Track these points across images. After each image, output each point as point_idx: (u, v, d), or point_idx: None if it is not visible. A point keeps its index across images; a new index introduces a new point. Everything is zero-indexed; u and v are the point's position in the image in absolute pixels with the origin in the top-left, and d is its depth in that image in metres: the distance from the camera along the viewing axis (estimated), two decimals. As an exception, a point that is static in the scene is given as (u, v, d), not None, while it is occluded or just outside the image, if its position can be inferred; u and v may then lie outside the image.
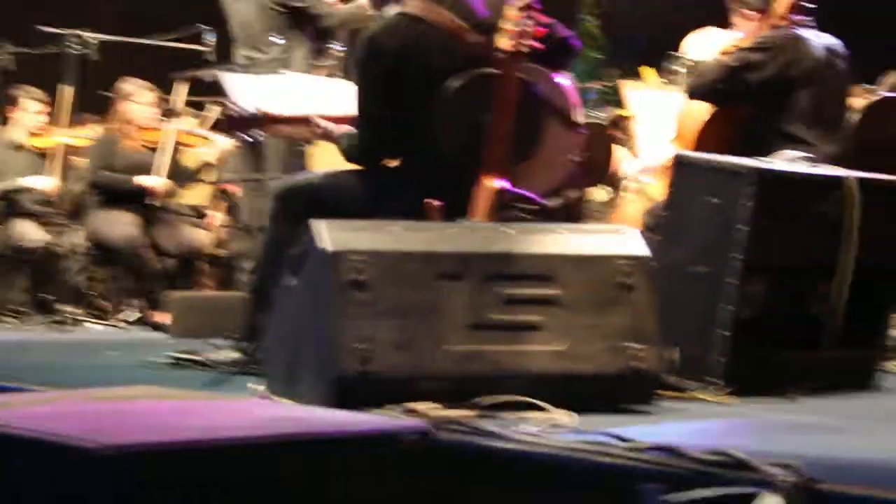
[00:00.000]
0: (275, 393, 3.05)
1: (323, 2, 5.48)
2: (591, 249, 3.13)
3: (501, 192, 3.53)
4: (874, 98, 5.04)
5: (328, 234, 2.94)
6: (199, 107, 7.42)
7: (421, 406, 2.72)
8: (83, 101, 7.23)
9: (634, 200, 5.36)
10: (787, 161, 4.03)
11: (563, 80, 3.75)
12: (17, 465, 2.06)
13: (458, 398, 2.79)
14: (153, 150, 6.66)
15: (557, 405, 2.80)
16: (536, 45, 3.54)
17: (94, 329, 6.31)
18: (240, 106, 3.98)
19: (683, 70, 4.67)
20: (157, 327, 6.08)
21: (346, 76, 4.86)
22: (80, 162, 7.08)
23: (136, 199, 6.55)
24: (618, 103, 6.38)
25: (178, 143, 6.76)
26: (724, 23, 4.65)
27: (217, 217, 7.30)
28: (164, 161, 6.63)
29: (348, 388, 2.83)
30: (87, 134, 7.15)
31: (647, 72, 5.54)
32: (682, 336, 3.41)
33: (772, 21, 4.43)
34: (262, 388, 3.15)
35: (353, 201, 3.64)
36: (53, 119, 7.16)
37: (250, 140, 4.64)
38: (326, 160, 4.62)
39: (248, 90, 4.14)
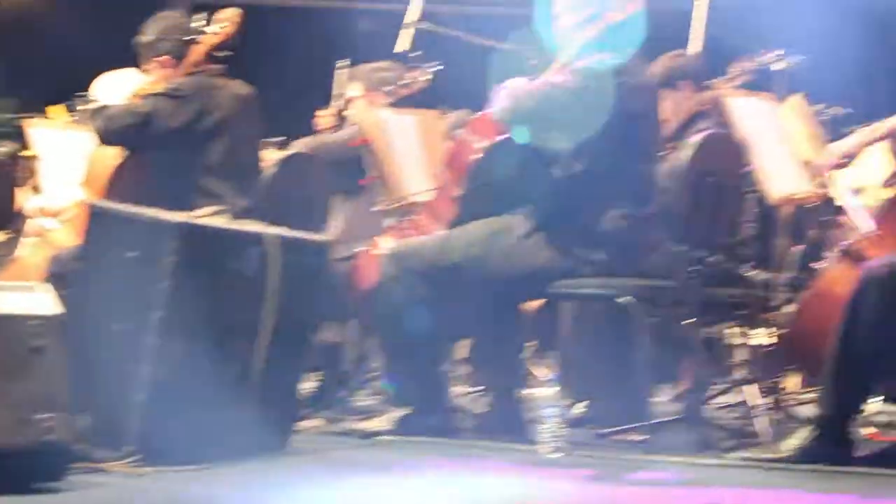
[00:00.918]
0: None
1: None
2: (-4, 310, 2.83)
3: None
4: (287, 152, 5.08)
5: None
6: None
7: None
8: None
9: (37, 245, 5.00)
10: (206, 214, 3.91)
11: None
12: None
13: None
14: None
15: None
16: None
17: None
18: None
19: (92, 111, 4.42)
20: None
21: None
22: None
23: None
24: (18, 139, 5.96)
25: None
26: (139, 65, 4.47)
27: None
28: None
29: None
30: None
31: (56, 110, 5.22)
32: (98, 400, 3.18)
33: (185, 68, 4.31)
34: None
35: None
36: None
37: None
38: None
39: None
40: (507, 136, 3.92)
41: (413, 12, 5.42)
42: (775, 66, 5.27)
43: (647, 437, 3.79)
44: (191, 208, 3.87)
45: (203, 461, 3.24)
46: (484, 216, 3.99)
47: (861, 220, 5.51)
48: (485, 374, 4.43)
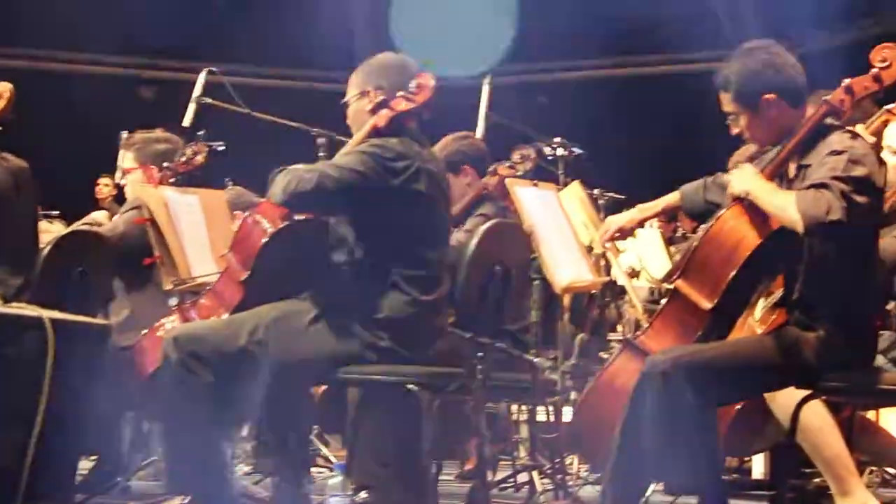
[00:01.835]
0: None
1: None
2: None
3: None
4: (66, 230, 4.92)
5: None
6: None
7: None
8: None
9: None
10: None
11: None
12: None
13: None
14: None
15: None
16: None
17: None
18: None
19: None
20: None
21: None
22: None
23: None
24: None
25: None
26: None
27: None
28: None
29: None
30: None
31: None
32: None
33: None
34: None
35: None
36: None
37: None
38: None
39: None
40: (294, 220, 3.88)
41: (198, 87, 5.35)
42: (555, 153, 5.43)
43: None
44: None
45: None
46: (270, 300, 3.93)
47: (639, 302, 5.69)
48: (270, 458, 4.35)
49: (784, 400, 3.85)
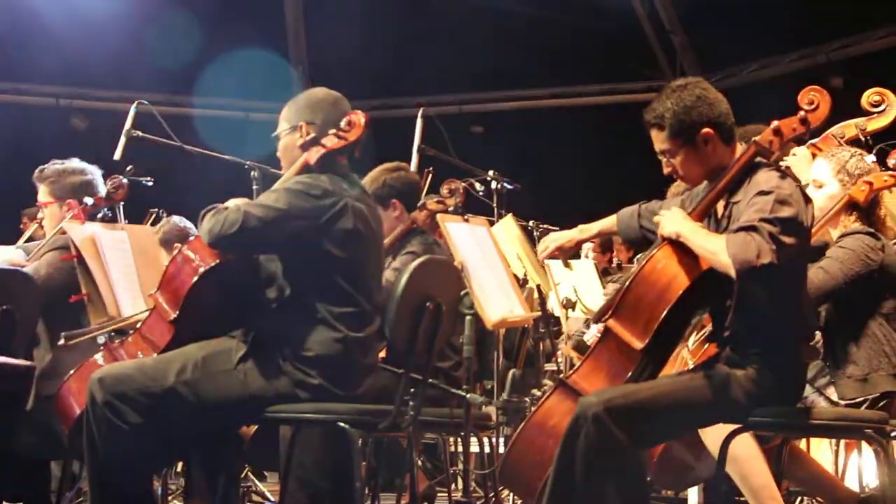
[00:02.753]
0: None
1: None
2: None
3: None
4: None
5: None
6: None
7: None
8: None
9: None
10: None
11: None
12: None
13: None
14: None
15: None
16: None
17: None
18: None
19: None
20: None
21: None
22: None
23: None
24: None
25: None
26: None
27: None
28: None
29: None
30: None
31: None
32: None
33: None
34: None
35: None
36: None
37: None
38: None
39: None
40: (224, 258, 3.84)
41: (129, 119, 5.30)
42: (487, 186, 5.43)
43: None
44: None
45: None
46: (200, 338, 3.88)
47: (575, 332, 5.69)
48: (200, 497, 4.29)
49: (715, 433, 3.87)
